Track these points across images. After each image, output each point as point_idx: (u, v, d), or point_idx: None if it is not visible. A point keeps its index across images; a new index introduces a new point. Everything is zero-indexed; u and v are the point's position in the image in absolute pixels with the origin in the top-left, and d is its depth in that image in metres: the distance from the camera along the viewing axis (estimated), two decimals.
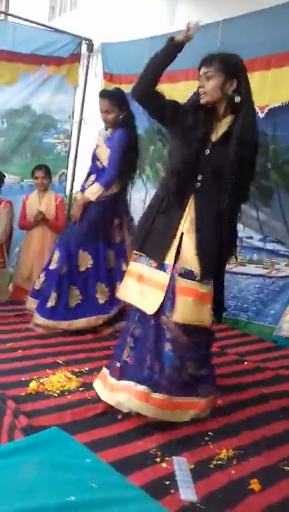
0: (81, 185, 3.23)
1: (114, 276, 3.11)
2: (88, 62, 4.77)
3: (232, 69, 1.92)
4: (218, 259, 2.04)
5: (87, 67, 4.74)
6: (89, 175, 3.14)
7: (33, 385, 2.19)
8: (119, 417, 2.01)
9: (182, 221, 1.99)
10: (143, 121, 4.09)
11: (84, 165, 4.64)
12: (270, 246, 3.54)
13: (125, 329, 2.17)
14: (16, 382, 2.23)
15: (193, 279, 1.95)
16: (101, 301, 3.05)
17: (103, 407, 2.06)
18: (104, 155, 3.01)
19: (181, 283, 1.96)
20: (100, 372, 2.24)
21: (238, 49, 3.43)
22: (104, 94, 3.03)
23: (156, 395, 1.92)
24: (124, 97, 3.02)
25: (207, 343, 2.11)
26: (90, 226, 3.03)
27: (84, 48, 4.74)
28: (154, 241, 2.04)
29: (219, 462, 1.77)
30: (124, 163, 2.99)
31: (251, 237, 3.64)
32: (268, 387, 2.48)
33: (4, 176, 3.84)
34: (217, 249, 2.00)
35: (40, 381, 2.25)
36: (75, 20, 6.28)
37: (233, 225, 2.07)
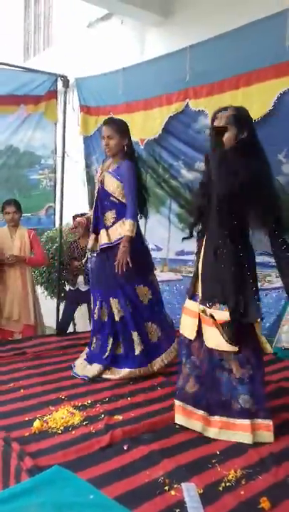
0: (93, 225, 3.07)
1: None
2: (65, 98, 4.89)
3: (243, 122, 2.18)
4: (222, 287, 2.13)
5: (65, 103, 4.86)
6: (103, 213, 2.99)
7: (36, 424, 2.18)
8: (125, 447, 2.01)
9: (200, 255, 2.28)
10: None
11: (70, 198, 4.75)
12: (259, 259, 3.56)
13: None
14: (20, 422, 2.23)
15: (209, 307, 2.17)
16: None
17: (108, 439, 2.05)
18: (114, 187, 2.93)
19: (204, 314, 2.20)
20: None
21: (207, 73, 3.61)
22: (107, 120, 3.03)
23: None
24: (126, 127, 3.02)
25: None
26: (133, 263, 2.89)
27: (60, 84, 4.88)
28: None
29: (228, 484, 1.77)
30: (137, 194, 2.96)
31: None
32: (272, 401, 2.47)
33: None
34: (218, 276, 2.15)
35: (44, 419, 2.25)
36: (49, 58, 6.47)
37: (236, 256, 2.13)
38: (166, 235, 4.03)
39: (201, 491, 1.71)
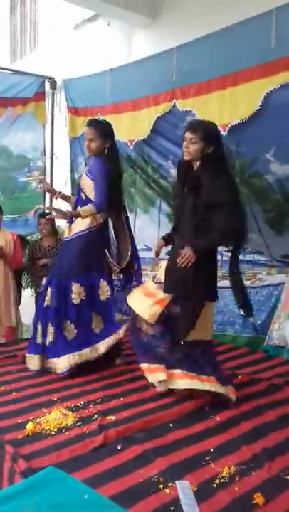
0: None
1: (110, 307, 3.04)
2: (53, 100, 4.88)
3: (211, 138, 2.43)
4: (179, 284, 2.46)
5: (53, 105, 4.86)
6: (75, 208, 3.08)
7: (29, 426, 2.17)
8: (119, 447, 2.00)
9: None
10: None
11: (59, 199, 4.73)
12: (249, 257, 3.60)
13: None
14: (13, 425, 2.21)
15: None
16: (97, 330, 3.00)
17: (102, 439, 2.05)
18: (86, 185, 2.99)
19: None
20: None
21: (194, 73, 3.62)
22: (90, 122, 3.03)
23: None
24: (110, 129, 3.02)
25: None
26: (79, 257, 2.97)
27: (47, 86, 4.87)
28: None
29: (222, 481, 1.77)
30: (109, 192, 2.94)
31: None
32: (264, 398, 2.50)
33: None
34: (176, 273, 2.46)
35: (37, 421, 2.23)
36: (36, 60, 6.45)
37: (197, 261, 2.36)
38: (156, 235, 4.03)
39: (196, 489, 1.72)
